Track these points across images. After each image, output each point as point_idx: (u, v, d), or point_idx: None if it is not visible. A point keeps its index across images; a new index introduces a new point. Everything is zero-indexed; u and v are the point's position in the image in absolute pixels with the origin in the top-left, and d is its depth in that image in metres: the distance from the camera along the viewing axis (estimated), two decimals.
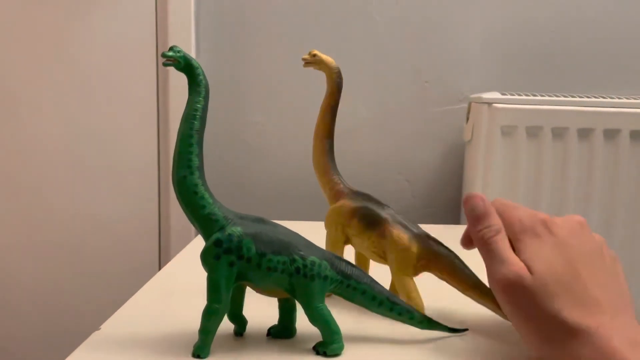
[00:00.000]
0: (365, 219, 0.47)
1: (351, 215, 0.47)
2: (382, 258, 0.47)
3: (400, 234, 0.45)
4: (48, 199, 1.03)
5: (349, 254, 0.50)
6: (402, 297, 0.45)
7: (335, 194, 0.50)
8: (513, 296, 0.36)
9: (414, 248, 0.45)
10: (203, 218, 0.38)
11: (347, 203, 0.48)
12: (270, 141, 1.05)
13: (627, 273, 0.97)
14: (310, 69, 0.50)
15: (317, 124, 0.51)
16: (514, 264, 0.36)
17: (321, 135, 0.51)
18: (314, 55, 0.49)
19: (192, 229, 0.98)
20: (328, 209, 0.50)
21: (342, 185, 0.50)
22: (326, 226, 0.50)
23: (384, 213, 0.46)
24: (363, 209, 0.47)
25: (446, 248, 0.46)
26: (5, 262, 1.04)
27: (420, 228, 0.47)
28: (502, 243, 0.38)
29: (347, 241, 0.49)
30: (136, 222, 1.04)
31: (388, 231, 0.45)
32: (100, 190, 1.03)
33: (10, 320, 1.05)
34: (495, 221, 0.39)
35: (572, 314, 0.34)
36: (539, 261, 0.36)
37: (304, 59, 0.49)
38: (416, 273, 0.46)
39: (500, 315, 0.43)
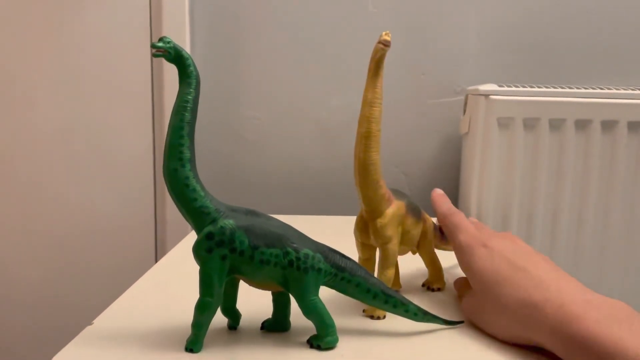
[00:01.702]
0: (414, 212, 0.48)
1: (406, 213, 0.47)
2: (415, 246, 0.51)
3: (425, 215, 0.51)
4: (43, 194, 1.03)
5: (344, 248, 0.50)
6: (432, 269, 0.52)
7: (388, 199, 0.45)
8: (470, 313, 0.43)
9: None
10: (194, 211, 0.37)
11: (400, 203, 0.46)
12: (266, 135, 1.05)
13: (624, 264, 0.97)
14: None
15: (369, 119, 0.43)
16: (461, 292, 0.46)
17: (376, 132, 0.43)
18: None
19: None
20: (380, 216, 0.45)
21: (386, 187, 0.45)
22: (387, 235, 0.44)
23: (413, 201, 0.49)
24: (410, 203, 0.48)
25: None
26: None
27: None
28: (460, 217, 0.48)
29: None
30: (132, 216, 1.03)
31: (426, 215, 0.51)
32: (95, 185, 1.03)
33: (3, 315, 1.05)
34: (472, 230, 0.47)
35: (522, 294, 0.38)
36: (474, 273, 0.42)
37: (387, 39, 0.43)
38: None
39: None
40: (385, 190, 0.44)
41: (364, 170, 0.43)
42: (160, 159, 1.02)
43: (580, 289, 0.37)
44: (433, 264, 0.52)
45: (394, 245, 0.45)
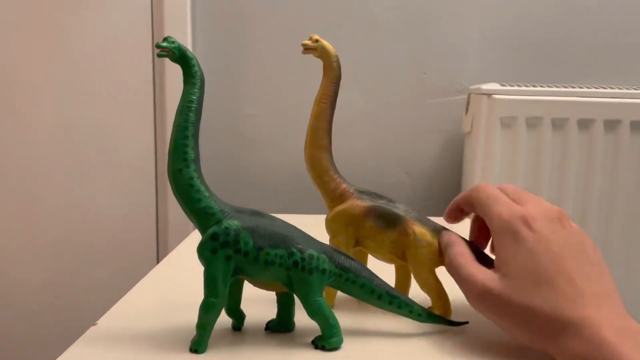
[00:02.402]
0: (382, 219, 0.44)
1: (364, 216, 0.44)
2: (400, 258, 0.45)
3: (422, 230, 0.44)
4: (44, 195, 1.02)
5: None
6: (430, 295, 0.44)
7: (340, 195, 0.45)
8: (488, 306, 0.37)
9: (436, 243, 0.44)
10: (199, 211, 0.37)
11: (357, 203, 0.44)
12: (267, 134, 1.04)
13: (627, 264, 0.97)
14: (309, 56, 0.47)
15: (315, 116, 0.46)
16: (478, 276, 0.38)
17: (321, 129, 0.45)
18: (317, 40, 0.45)
19: (191, 223, 0.98)
20: (330, 212, 0.45)
21: (345, 184, 0.45)
22: (331, 230, 0.45)
23: (399, 210, 0.44)
24: (378, 208, 0.44)
25: (462, 238, 0.44)
26: (1, 258, 1.04)
27: (432, 220, 0.45)
28: (463, 259, 0.40)
29: (356, 244, 0.45)
30: (134, 217, 1.03)
31: (410, 228, 0.43)
32: (97, 185, 1.02)
33: (7, 316, 1.04)
34: (454, 244, 0.42)
35: (556, 308, 0.34)
36: (514, 263, 0.37)
37: (304, 45, 0.45)
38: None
39: None
40: (336, 186, 0.45)
41: (308, 164, 0.46)
42: (162, 159, 1.02)
43: (619, 315, 0.34)
44: (428, 287, 0.44)
45: (339, 242, 0.44)
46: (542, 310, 0.35)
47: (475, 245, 0.44)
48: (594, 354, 0.32)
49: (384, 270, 0.44)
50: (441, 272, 0.44)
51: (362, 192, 0.45)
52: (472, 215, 0.44)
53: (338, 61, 0.46)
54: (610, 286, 0.36)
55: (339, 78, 0.46)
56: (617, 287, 0.37)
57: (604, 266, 0.38)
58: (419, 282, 0.44)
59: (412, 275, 0.46)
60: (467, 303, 0.41)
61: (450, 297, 0.44)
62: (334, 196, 0.45)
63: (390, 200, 0.45)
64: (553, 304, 0.34)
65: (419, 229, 0.43)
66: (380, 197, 0.45)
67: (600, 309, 0.34)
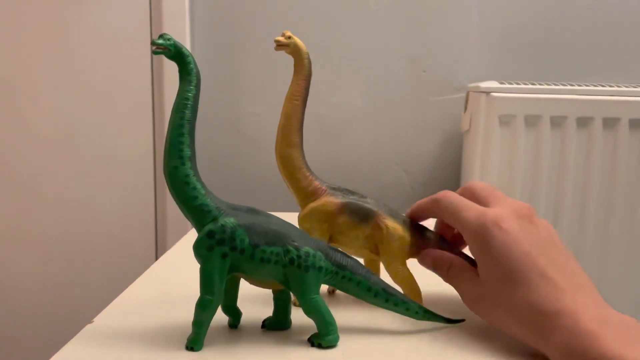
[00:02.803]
0: (355, 214, 0.45)
1: (338, 212, 0.45)
2: (373, 252, 0.46)
3: (394, 224, 0.45)
4: (43, 192, 1.02)
5: None
6: (403, 286, 0.45)
7: (312, 192, 0.46)
8: (479, 311, 0.40)
9: (408, 236, 0.45)
10: (195, 209, 0.37)
11: (330, 200, 0.45)
12: (267, 133, 1.04)
13: (623, 261, 0.97)
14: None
15: (285, 114, 0.46)
16: (467, 284, 0.41)
17: (292, 127, 0.46)
18: (289, 37, 0.46)
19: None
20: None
21: (318, 182, 0.46)
22: (305, 227, 0.45)
23: (372, 205, 0.45)
24: (351, 204, 0.45)
25: (431, 231, 0.47)
26: None
27: (400, 213, 0.47)
28: (456, 271, 0.42)
29: (329, 240, 0.46)
30: (132, 214, 1.03)
31: (383, 223, 0.45)
32: (95, 183, 1.02)
33: (4, 314, 1.05)
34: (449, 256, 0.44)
35: (534, 304, 0.35)
36: (490, 265, 0.38)
37: (277, 41, 0.45)
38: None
39: None
40: (309, 183, 0.46)
41: (279, 162, 0.46)
42: (160, 157, 1.02)
43: (597, 304, 0.35)
44: (401, 279, 0.45)
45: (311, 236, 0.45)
46: (522, 308, 0.36)
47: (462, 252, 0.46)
48: (576, 344, 0.32)
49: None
50: (412, 264, 0.46)
51: (334, 189, 0.46)
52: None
53: (309, 58, 0.46)
54: (583, 277, 0.37)
55: (310, 75, 0.47)
56: (590, 278, 0.38)
57: (574, 259, 0.39)
58: (392, 275, 0.46)
59: (381, 268, 0.48)
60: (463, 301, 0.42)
61: (445, 294, 0.45)
62: (306, 193, 0.46)
63: (362, 196, 0.46)
64: (531, 300, 0.35)
65: (391, 223, 0.45)
66: (352, 193, 0.46)
67: (577, 299, 0.34)
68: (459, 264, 0.43)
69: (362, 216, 0.45)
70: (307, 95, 0.46)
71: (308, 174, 0.46)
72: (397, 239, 0.45)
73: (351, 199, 0.45)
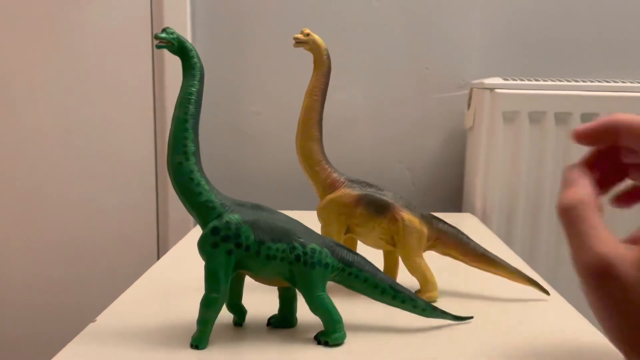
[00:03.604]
0: (372, 206, 0.46)
1: (355, 204, 0.46)
2: (389, 244, 0.47)
3: (411, 217, 0.46)
4: (44, 191, 1.02)
5: None
6: (419, 279, 0.46)
7: (331, 184, 0.47)
8: (599, 288, 0.26)
9: (425, 229, 0.46)
10: (199, 205, 0.37)
11: (347, 192, 0.46)
12: (268, 131, 1.04)
13: None
14: (301, 49, 0.48)
15: (305, 109, 0.47)
16: (601, 247, 0.26)
17: (312, 121, 0.47)
18: (308, 34, 0.47)
19: (191, 219, 0.97)
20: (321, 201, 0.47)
21: (336, 174, 0.47)
22: (323, 218, 0.47)
23: (389, 197, 0.46)
24: (368, 197, 0.46)
25: (450, 225, 0.48)
26: (1, 255, 1.03)
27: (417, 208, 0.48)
28: (588, 214, 0.28)
29: (347, 232, 0.47)
30: (134, 214, 1.03)
31: (399, 215, 0.46)
32: (97, 182, 1.02)
33: (6, 313, 1.04)
34: (582, 190, 0.29)
35: None
36: None
37: (296, 38, 0.46)
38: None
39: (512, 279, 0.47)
40: (327, 176, 0.47)
41: (300, 155, 0.47)
42: (162, 156, 1.02)
43: None
44: (417, 271, 0.46)
45: (331, 230, 0.46)
46: None
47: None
48: None
49: (373, 258, 0.44)
50: (429, 256, 0.46)
51: (352, 181, 0.47)
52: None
53: (328, 54, 0.48)
54: None
55: (329, 71, 0.48)
56: None
57: None
58: (408, 266, 0.46)
59: (399, 261, 0.49)
60: (473, 297, 0.41)
61: (453, 289, 0.45)
62: (325, 185, 0.47)
63: (379, 189, 0.47)
64: None
65: (407, 216, 0.46)
66: (370, 185, 0.47)
67: None
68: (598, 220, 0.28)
69: (378, 208, 0.46)
70: (327, 90, 0.48)
71: (327, 166, 0.47)
72: (414, 231, 0.46)
73: (369, 191, 0.46)
